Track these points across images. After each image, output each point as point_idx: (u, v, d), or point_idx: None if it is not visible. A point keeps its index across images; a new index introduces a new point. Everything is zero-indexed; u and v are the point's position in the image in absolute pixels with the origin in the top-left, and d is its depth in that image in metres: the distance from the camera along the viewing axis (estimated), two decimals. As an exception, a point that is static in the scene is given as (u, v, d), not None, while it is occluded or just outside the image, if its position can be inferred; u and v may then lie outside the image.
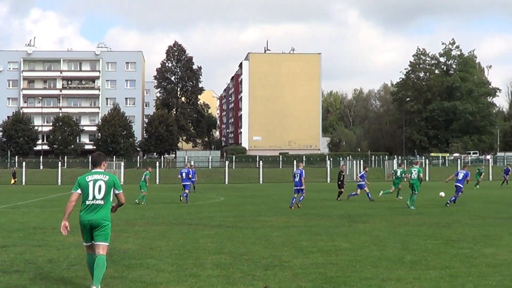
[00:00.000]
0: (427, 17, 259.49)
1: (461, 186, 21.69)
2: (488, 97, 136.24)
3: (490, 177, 68.69)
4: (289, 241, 15.37)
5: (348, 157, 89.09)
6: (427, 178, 65.32)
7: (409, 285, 9.91)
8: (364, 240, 15.59)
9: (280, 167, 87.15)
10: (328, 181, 67.64)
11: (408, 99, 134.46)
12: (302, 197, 27.53)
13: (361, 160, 74.22)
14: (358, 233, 17.04)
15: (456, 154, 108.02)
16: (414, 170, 27.19)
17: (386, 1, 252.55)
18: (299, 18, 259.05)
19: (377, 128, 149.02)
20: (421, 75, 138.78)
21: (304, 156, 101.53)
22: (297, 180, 27.34)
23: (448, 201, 26.67)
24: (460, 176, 21.47)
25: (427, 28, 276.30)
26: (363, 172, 33.97)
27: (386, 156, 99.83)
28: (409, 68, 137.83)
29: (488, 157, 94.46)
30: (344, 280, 10.31)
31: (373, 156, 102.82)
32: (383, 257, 12.64)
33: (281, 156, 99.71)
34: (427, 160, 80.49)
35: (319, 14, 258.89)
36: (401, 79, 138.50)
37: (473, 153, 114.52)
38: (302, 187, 27.24)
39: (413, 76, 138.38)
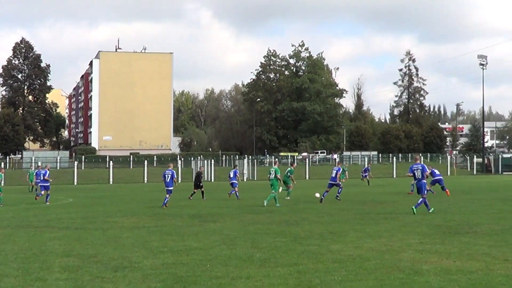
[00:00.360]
0: (278, 19, 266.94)
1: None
2: (335, 98, 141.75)
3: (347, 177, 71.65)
4: (139, 242, 15.19)
5: (199, 157, 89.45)
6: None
7: (258, 282, 10.07)
8: (214, 239, 15.69)
9: (131, 167, 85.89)
10: (180, 181, 67.51)
11: (258, 99, 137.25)
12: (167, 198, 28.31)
13: (212, 160, 74.71)
14: (208, 233, 17.14)
15: (305, 154, 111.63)
16: (272, 171, 28.26)
17: (238, 2, 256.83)
18: (151, 17, 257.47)
19: (228, 128, 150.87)
20: (272, 76, 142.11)
21: (155, 156, 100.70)
22: (168, 180, 28.54)
23: (337, 195, 29.96)
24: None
25: (278, 30, 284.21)
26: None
27: (237, 156, 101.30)
28: (260, 69, 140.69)
29: (335, 156, 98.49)
30: (195, 279, 10.31)
31: (224, 156, 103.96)
32: (233, 256, 12.78)
33: (131, 156, 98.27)
34: (276, 159, 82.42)
35: (171, 13, 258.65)
36: (252, 80, 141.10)
37: (321, 152, 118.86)
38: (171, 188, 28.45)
39: (263, 77, 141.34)
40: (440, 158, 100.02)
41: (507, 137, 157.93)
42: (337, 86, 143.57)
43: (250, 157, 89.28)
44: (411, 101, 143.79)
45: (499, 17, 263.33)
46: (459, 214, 21.60)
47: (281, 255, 12.80)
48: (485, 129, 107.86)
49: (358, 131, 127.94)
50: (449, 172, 76.84)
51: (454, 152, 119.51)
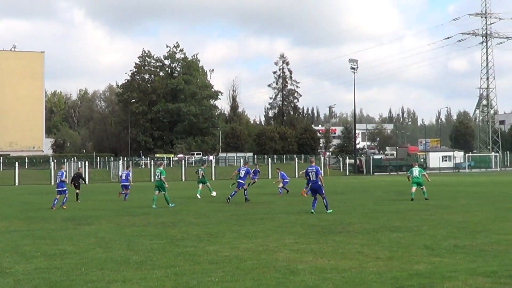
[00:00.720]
0: (152, 20, 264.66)
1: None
2: (210, 100, 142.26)
3: (213, 177, 71.77)
4: (11, 247, 14.64)
5: (72, 159, 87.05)
6: (151, 178, 66.16)
7: (135, 285, 9.97)
8: (89, 242, 15.36)
9: (1, 169, 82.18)
10: (52, 183, 65.35)
11: (133, 100, 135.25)
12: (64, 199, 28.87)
13: (87, 161, 72.86)
14: (83, 236, 16.75)
15: (181, 155, 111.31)
16: (158, 172, 28.56)
17: (111, 2, 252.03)
18: (22, 15, 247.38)
19: (102, 129, 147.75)
20: (146, 77, 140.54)
21: (26, 158, 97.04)
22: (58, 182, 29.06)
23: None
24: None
25: (153, 31, 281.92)
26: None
27: (112, 157, 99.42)
28: (135, 70, 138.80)
29: (211, 157, 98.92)
30: (69, 284, 10.06)
31: (98, 157, 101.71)
32: (108, 259, 12.57)
33: (1, 158, 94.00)
34: (152, 161, 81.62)
35: (43, 11, 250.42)
36: (126, 81, 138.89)
37: (197, 154, 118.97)
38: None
39: (138, 77, 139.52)
40: (314, 159, 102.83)
41: (378, 138, 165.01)
42: (212, 87, 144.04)
43: (125, 158, 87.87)
44: (285, 103, 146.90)
45: (371, 22, 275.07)
46: (332, 214, 22.30)
47: (158, 257, 12.72)
48: (357, 131, 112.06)
49: (233, 132, 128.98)
50: (322, 173, 78.98)
51: (328, 153, 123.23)
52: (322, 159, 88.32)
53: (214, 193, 34.43)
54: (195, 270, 11.18)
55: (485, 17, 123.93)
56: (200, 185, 34.58)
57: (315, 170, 23.04)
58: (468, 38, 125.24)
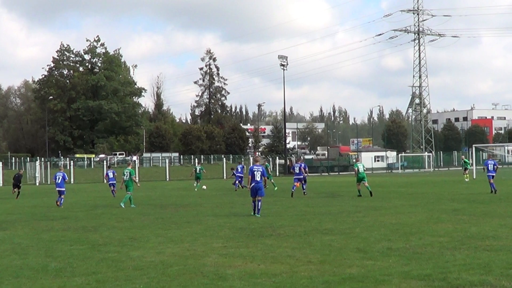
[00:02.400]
0: (73, 12, 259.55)
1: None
2: (134, 97, 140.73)
3: (138, 178, 70.89)
4: None
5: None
6: (72, 180, 65.04)
7: (54, 294, 9.78)
8: (4, 249, 14.99)
9: None
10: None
11: (51, 97, 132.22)
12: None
13: (1, 162, 70.88)
14: (-4, 243, 16.31)
15: (102, 155, 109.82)
16: (127, 171, 30.12)
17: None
18: None
19: (17, 127, 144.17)
20: (65, 73, 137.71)
21: None
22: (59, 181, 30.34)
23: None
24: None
25: (75, 23, 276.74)
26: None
27: (28, 158, 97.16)
28: (52, 65, 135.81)
29: (135, 158, 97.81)
30: (-19, 295, 9.77)
31: (13, 158, 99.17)
32: (25, 266, 12.29)
33: None
34: (71, 161, 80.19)
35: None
36: (43, 76, 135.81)
37: (119, 154, 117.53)
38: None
39: (56, 73, 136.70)
40: (242, 159, 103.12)
41: (309, 138, 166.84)
42: (135, 84, 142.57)
43: (42, 159, 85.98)
44: (213, 101, 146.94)
45: (302, 17, 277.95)
46: (262, 216, 22.41)
47: (78, 264, 12.51)
48: (287, 130, 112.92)
49: (158, 131, 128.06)
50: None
51: (257, 153, 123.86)
52: (251, 160, 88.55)
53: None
54: (118, 277, 11.04)
55: (417, 14, 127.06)
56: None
57: (261, 170, 22.89)
58: (401, 35, 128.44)
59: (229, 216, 22.82)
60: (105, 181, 44.97)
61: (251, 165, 23.80)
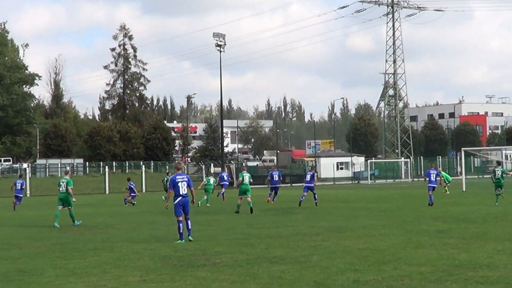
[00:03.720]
0: None
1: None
2: (24, 86, 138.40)
3: (28, 192, 70.07)
4: None
5: None
6: None
7: None
8: None
9: None
10: None
11: None
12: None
13: None
14: None
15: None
16: (63, 182, 30.79)
17: None
18: None
19: None
20: None
21: None
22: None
23: None
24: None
25: None
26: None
27: None
28: None
29: (25, 165, 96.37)
30: None
31: None
32: None
33: None
34: (67, 168, 79.50)
35: None
36: None
37: (5, 161, 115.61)
38: None
39: None
40: (167, 167, 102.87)
41: (252, 139, 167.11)
42: (26, 69, 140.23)
43: None
44: (128, 92, 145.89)
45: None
46: (193, 241, 22.34)
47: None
48: (225, 130, 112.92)
49: (56, 131, 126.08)
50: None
51: (188, 159, 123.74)
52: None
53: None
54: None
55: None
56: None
57: (186, 179, 22.89)
58: (370, 8, 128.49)
59: (149, 241, 22.67)
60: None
61: (174, 174, 23.63)
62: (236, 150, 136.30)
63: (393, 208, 37.59)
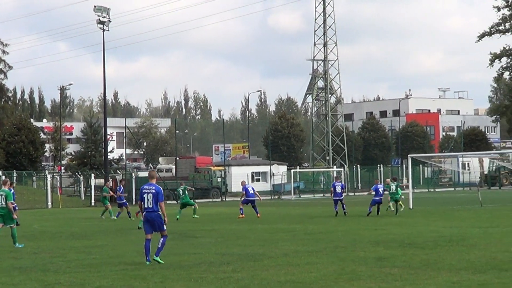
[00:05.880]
0: None
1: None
2: None
3: None
4: None
5: None
6: None
7: None
8: None
9: None
10: None
11: None
12: None
13: None
14: None
15: None
16: (1, 194, 31.20)
17: None
18: None
19: None
20: None
21: None
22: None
23: None
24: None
25: None
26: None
27: None
28: None
29: None
30: None
31: None
32: None
33: None
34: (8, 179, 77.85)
35: None
36: None
37: None
38: None
39: None
40: (34, 180, 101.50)
41: (145, 143, 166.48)
42: None
43: None
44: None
45: None
46: (72, 272, 22.26)
47: None
48: (110, 130, 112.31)
49: None
50: (50, 204, 78.77)
51: (61, 168, 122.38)
52: (49, 180, 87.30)
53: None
54: None
55: None
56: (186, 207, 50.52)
57: (154, 190, 23.68)
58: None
59: (11, 274, 22.47)
60: None
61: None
62: (124, 157, 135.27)
63: (322, 231, 37.93)
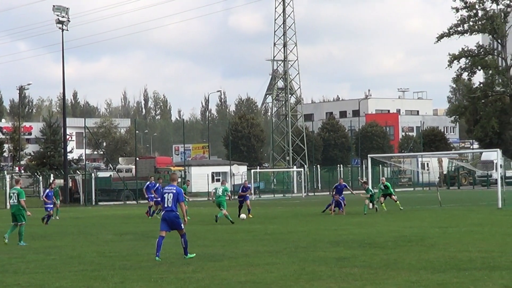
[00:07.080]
0: None
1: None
2: None
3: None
4: None
5: None
6: None
7: None
8: None
9: None
10: None
11: None
12: None
13: None
14: None
15: None
16: (14, 193, 32.03)
17: None
18: None
19: None
20: None
21: None
22: None
23: None
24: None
25: None
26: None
27: None
28: None
29: None
30: None
31: None
32: None
33: None
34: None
35: None
36: None
37: None
38: None
39: None
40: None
41: (105, 143, 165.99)
42: None
43: None
44: None
45: None
46: (30, 273, 22.14)
47: None
48: (69, 131, 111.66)
49: None
50: (8, 204, 78.24)
51: (21, 168, 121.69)
52: (8, 179, 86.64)
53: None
54: None
55: None
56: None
57: (174, 191, 24.53)
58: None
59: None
60: None
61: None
62: (84, 157, 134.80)
63: (282, 231, 37.97)
